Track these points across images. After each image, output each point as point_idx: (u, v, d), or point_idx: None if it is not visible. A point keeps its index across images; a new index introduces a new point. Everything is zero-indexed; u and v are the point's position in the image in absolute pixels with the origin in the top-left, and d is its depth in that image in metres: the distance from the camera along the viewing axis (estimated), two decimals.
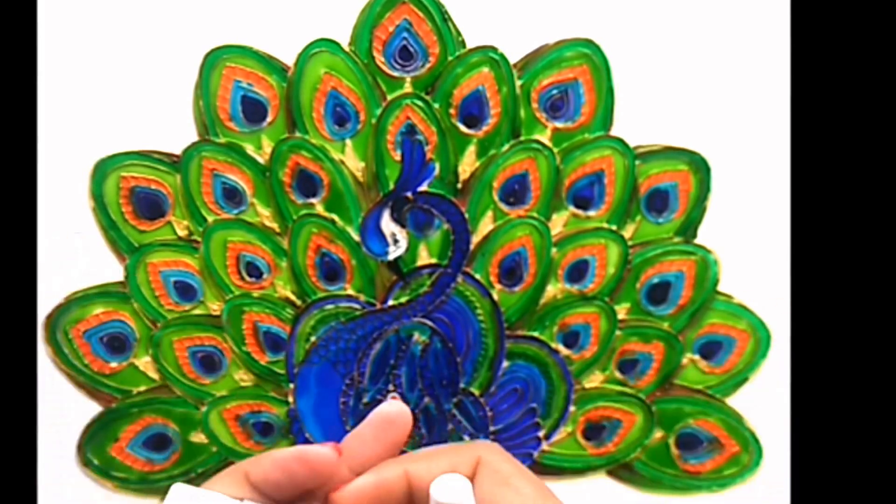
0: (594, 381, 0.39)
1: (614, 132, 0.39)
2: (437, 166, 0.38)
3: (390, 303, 0.39)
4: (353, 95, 0.38)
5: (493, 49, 0.38)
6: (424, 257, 0.39)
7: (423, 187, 0.39)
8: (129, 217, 0.39)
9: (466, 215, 0.38)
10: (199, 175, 0.39)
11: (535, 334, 0.39)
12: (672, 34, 0.39)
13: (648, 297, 0.39)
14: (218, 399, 0.39)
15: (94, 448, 0.39)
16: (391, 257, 0.39)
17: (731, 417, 0.40)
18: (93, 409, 0.39)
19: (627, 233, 0.39)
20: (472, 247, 0.38)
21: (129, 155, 0.39)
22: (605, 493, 0.40)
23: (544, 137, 0.39)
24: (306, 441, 0.40)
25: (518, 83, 0.39)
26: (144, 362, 0.39)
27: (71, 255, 0.39)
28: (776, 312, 0.39)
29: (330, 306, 0.39)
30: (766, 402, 0.40)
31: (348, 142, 0.38)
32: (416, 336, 0.39)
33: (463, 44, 0.38)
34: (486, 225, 0.39)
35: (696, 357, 0.40)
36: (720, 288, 0.40)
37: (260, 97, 0.39)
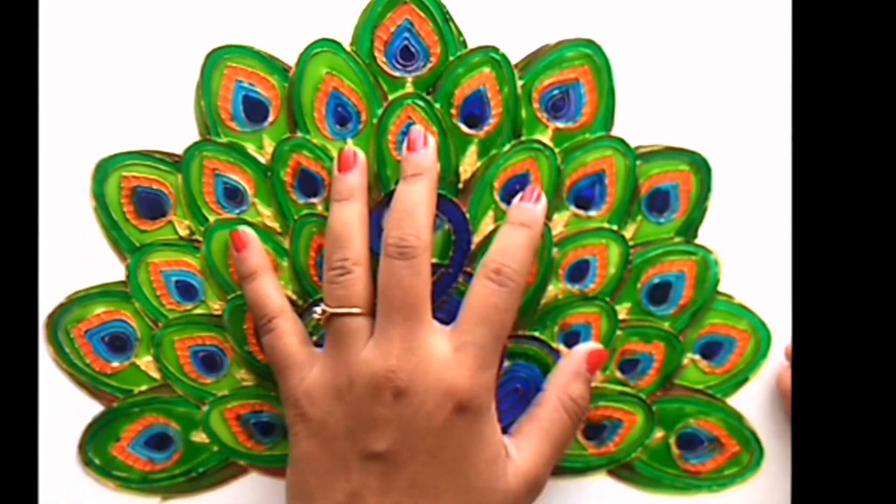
0: (594, 380, 0.39)
1: (615, 132, 0.39)
2: (438, 166, 0.38)
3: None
4: (355, 95, 0.38)
5: (495, 49, 0.38)
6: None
7: None
8: (130, 217, 0.39)
9: (467, 215, 0.38)
10: (201, 175, 0.39)
11: (536, 334, 0.39)
12: (673, 34, 0.39)
13: (649, 297, 0.40)
14: (219, 398, 0.39)
15: (95, 447, 0.39)
16: None
17: (732, 417, 0.40)
18: (94, 408, 0.39)
19: (628, 233, 0.39)
20: (473, 247, 0.38)
21: (130, 155, 0.39)
22: (605, 493, 0.40)
23: (545, 137, 0.39)
24: None
25: (519, 83, 0.39)
26: (146, 362, 0.39)
27: (72, 254, 0.39)
28: (777, 313, 0.39)
29: None
30: (766, 402, 0.40)
31: (350, 141, 0.38)
32: None
33: (464, 44, 0.38)
34: (487, 225, 0.39)
35: (697, 357, 0.40)
36: (721, 288, 0.40)
37: (261, 97, 0.39)
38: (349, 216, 0.36)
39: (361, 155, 0.38)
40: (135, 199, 0.39)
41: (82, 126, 0.39)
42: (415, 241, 0.35)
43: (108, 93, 0.39)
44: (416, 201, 0.35)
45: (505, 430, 0.36)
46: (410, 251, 0.34)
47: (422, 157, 0.36)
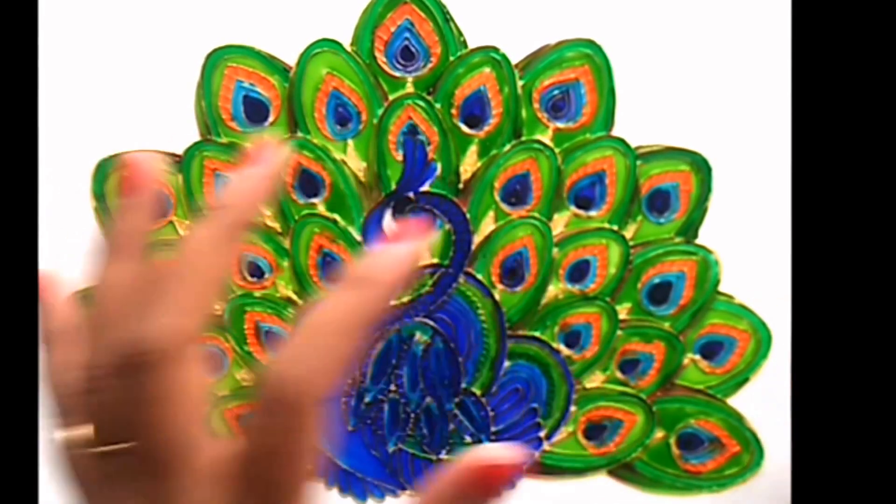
0: (595, 381, 0.39)
1: (616, 132, 0.39)
2: (439, 166, 0.38)
3: (392, 302, 0.39)
4: (355, 95, 0.38)
5: (495, 49, 0.38)
6: (426, 257, 0.39)
7: (425, 187, 0.39)
8: None
9: (468, 215, 0.38)
10: (201, 175, 0.39)
11: (537, 334, 0.39)
12: (673, 35, 0.39)
13: (649, 298, 0.39)
14: (219, 399, 0.39)
15: None
16: None
17: (732, 417, 0.40)
18: None
19: (629, 233, 0.39)
20: (473, 247, 0.38)
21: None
22: (606, 493, 0.40)
23: (546, 137, 0.39)
24: None
25: (520, 83, 0.39)
26: None
27: (72, 254, 0.39)
28: (777, 313, 0.39)
29: None
30: (766, 402, 0.40)
31: (350, 142, 0.38)
32: (418, 336, 0.39)
33: (464, 44, 0.38)
34: (487, 225, 0.39)
35: (697, 357, 0.40)
36: (721, 288, 0.40)
37: (262, 97, 0.39)
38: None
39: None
40: None
41: (83, 126, 0.39)
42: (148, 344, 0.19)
43: (109, 93, 0.39)
44: None
45: (505, 431, 0.36)
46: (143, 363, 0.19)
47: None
